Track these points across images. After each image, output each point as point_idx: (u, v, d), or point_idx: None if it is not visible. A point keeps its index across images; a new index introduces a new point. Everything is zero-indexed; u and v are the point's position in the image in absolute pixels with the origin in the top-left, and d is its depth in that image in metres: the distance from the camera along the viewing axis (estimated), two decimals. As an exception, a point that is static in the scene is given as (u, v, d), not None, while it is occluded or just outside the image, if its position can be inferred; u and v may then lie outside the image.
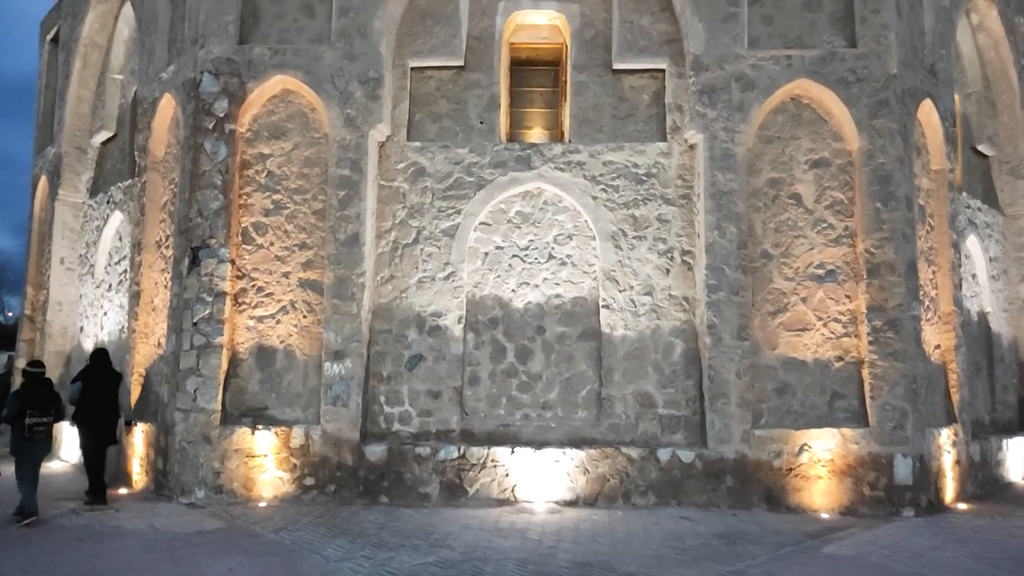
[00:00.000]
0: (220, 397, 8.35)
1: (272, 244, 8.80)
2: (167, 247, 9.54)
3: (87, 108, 13.38)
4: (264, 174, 8.90)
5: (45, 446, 7.64)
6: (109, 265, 12.12)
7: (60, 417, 7.85)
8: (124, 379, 9.26)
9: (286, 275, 8.77)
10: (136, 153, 10.31)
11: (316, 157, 8.86)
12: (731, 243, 8.34)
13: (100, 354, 8.88)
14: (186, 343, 8.42)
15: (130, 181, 11.43)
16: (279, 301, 8.74)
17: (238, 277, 8.72)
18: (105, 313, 11.98)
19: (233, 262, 8.65)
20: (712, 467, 8.10)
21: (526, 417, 8.72)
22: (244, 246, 8.79)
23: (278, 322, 8.71)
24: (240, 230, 8.79)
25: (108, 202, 12.26)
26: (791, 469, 8.08)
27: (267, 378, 8.63)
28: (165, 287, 9.45)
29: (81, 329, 12.73)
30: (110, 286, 11.96)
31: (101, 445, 8.33)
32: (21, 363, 14.07)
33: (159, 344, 9.42)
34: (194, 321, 8.44)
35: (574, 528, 7.14)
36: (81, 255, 13.29)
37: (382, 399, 8.72)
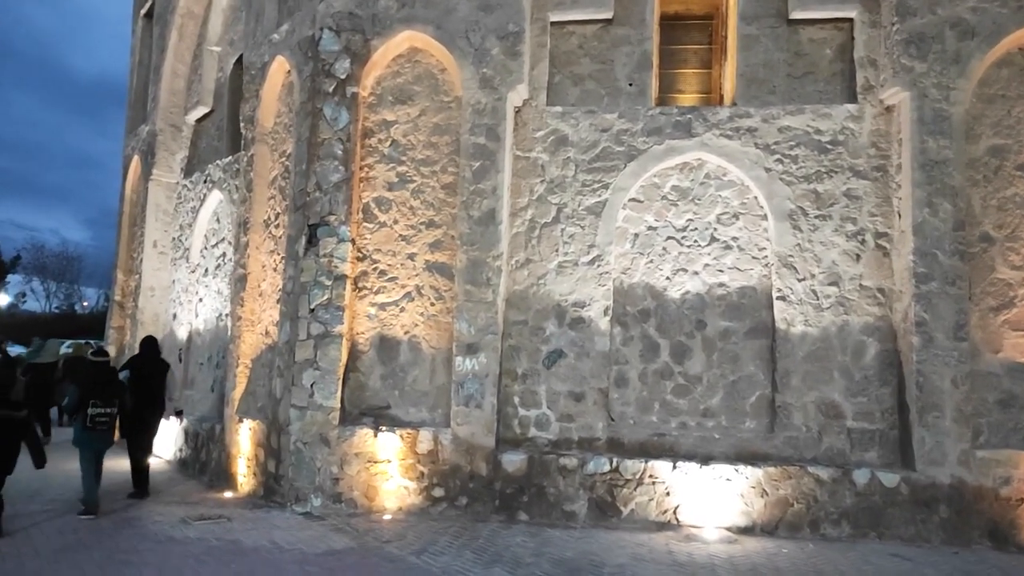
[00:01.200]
0: (339, 393, 7.47)
1: (396, 222, 7.88)
2: (276, 226, 8.76)
3: (182, 83, 12.86)
4: (388, 143, 7.99)
5: (107, 438, 7.40)
6: (205, 248, 11.50)
7: (124, 408, 7.65)
8: (171, 369, 8.93)
9: (411, 257, 7.83)
10: (242, 125, 9.57)
11: (446, 124, 7.89)
12: (945, 223, 6.96)
13: (149, 342, 8.74)
14: (302, 332, 7.58)
15: (230, 158, 10.77)
16: (403, 286, 7.81)
17: (358, 259, 7.84)
18: (200, 299, 11.36)
19: (353, 242, 7.75)
20: (922, 494, 6.76)
21: (683, 426, 7.54)
22: (365, 224, 7.90)
23: (402, 310, 7.78)
24: (361, 206, 7.90)
25: (205, 181, 11.65)
26: (1023, 500, 6.66)
27: (390, 373, 7.72)
28: (274, 270, 8.67)
29: (174, 316, 12.18)
30: (206, 271, 11.33)
31: (145, 436, 8.12)
32: (111, 351, 13.68)
33: (267, 333, 8.65)
34: (311, 307, 7.59)
35: (771, 566, 5.94)
36: (175, 238, 12.77)
37: (516, 400, 7.69)
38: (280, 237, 8.68)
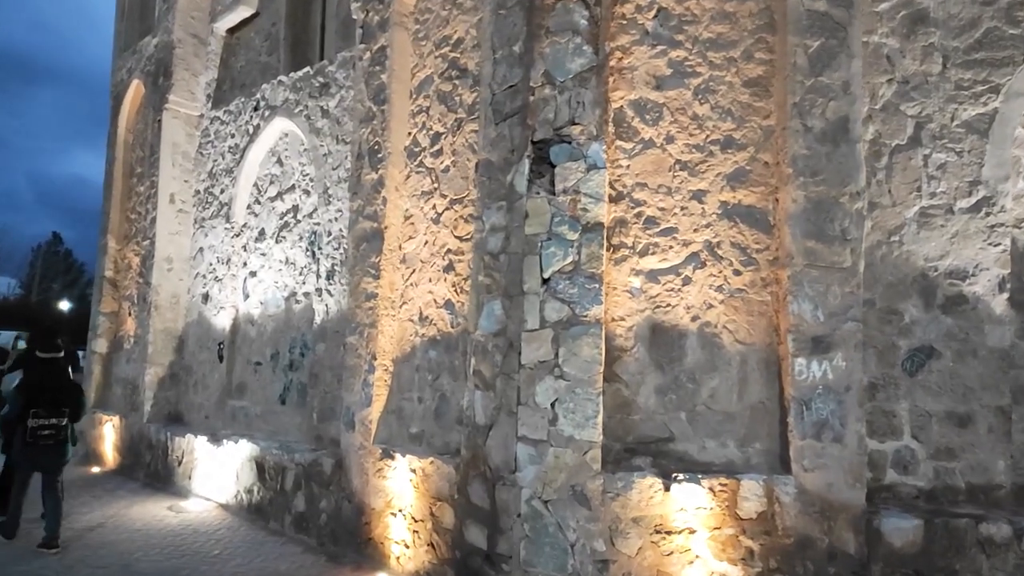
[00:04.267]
0: (600, 418, 4.59)
1: (670, 140, 5.04)
2: (435, 153, 5.84)
3: (210, -23, 9.64)
4: (652, 13, 5.11)
5: (56, 455, 6.26)
6: (258, 203, 8.44)
7: (77, 417, 6.48)
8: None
9: (698, 196, 5.00)
10: (356, 6, 6.51)
11: (754, -19, 5.06)
12: None
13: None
14: (530, 317, 4.69)
15: (307, 70, 7.78)
16: (686, 244, 4.98)
17: (610, 199, 4.95)
18: (252, 273, 8.28)
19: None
20: None
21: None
22: (619, 143, 5.02)
23: (686, 281, 4.95)
24: (611, 115, 5.00)
25: (256, 108, 8.51)
26: None
27: (670, 384, 4.90)
28: (434, 220, 5.74)
29: (205, 297, 9.00)
30: (261, 233, 8.27)
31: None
32: (101, 346, 10.40)
33: (422, 318, 5.77)
34: (545, 276, 4.68)
35: None
36: (200, 191, 9.56)
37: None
38: (443, 170, 5.74)
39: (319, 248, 7.49)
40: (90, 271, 53.64)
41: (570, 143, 4.81)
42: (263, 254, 8.54)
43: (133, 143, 11.13)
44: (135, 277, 10.56)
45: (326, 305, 7.25)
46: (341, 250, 7.18)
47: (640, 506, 4.58)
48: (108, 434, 10.14)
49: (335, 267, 7.23)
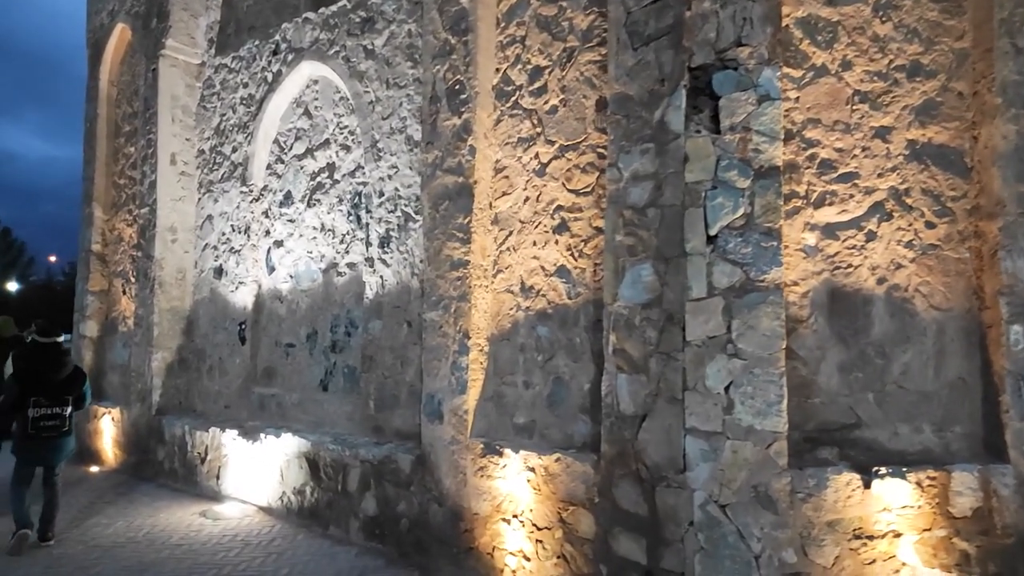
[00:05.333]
0: (785, 403, 3.82)
1: (847, 66, 4.24)
2: (536, 92, 4.93)
3: None
4: (823, -89, 4.26)
5: (60, 447, 5.91)
6: (280, 162, 7.43)
7: (81, 405, 6.13)
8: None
9: (881, 134, 4.22)
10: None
11: None
12: None
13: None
14: (695, 283, 3.90)
15: (343, 3, 6.79)
16: (869, 192, 4.20)
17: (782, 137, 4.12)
18: (278, 243, 7.30)
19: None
20: None
21: None
22: (786, 70, 4.16)
23: (870, 236, 4.19)
24: (778, 35, 4.15)
25: (274, 53, 7.46)
26: None
27: (855, 359, 4.17)
28: (536, 172, 4.89)
29: (218, 271, 8.00)
30: (288, 196, 7.29)
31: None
32: (91, 329, 9.33)
33: (524, 288, 4.91)
34: (712, 232, 3.86)
35: None
36: (206, 151, 8.48)
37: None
38: (549, 111, 4.86)
39: (368, 211, 6.53)
40: (31, 250, 51.09)
41: (737, 69, 3.95)
42: (291, 220, 7.52)
43: (118, 98, 9.87)
44: (129, 250, 9.42)
45: (381, 277, 6.32)
46: (399, 213, 6.23)
47: (836, 507, 3.85)
48: (107, 428, 9.08)
49: (391, 233, 6.29)
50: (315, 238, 7.26)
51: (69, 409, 5.90)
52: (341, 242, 6.98)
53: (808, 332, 4.13)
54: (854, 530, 3.86)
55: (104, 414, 9.17)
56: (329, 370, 7.04)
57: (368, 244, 6.50)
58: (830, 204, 4.20)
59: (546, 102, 4.95)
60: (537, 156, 4.99)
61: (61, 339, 6.14)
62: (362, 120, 6.66)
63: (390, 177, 6.37)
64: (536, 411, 4.91)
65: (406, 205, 6.19)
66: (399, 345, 6.14)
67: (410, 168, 6.18)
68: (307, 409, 7.09)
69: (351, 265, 6.87)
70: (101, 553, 5.53)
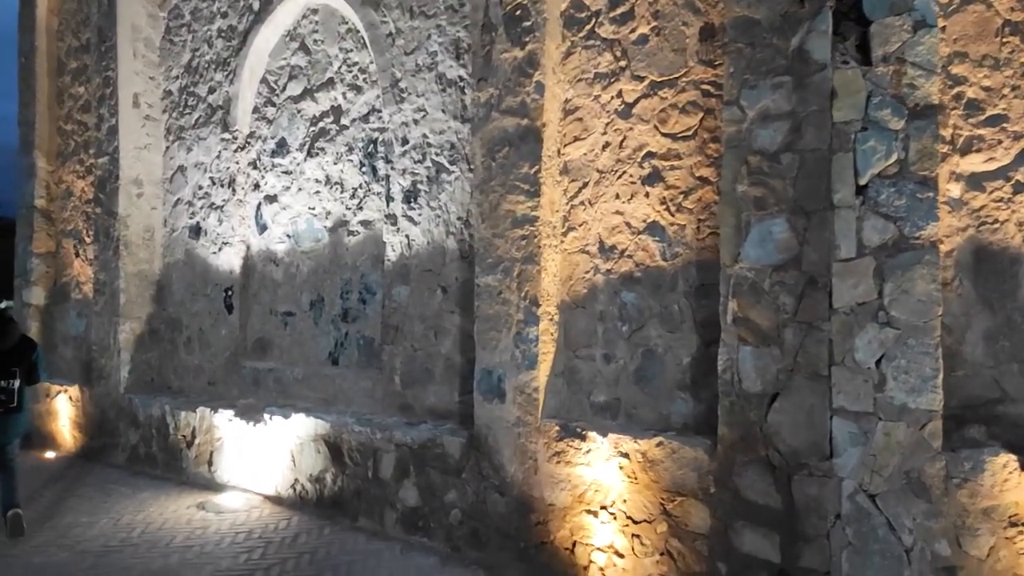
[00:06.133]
0: (940, 378, 3.38)
1: (1000, -7, 3.72)
2: (611, 19, 4.29)
3: None
4: None
5: (10, 423, 5.46)
6: (273, 104, 6.56)
7: (34, 378, 5.68)
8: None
9: (1034, 71, 3.75)
10: None
11: None
12: None
13: None
14: (844, 241, 3.42)
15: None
16: (1017, 138, 3.75)
17: (925, 74, 3.61)
18: (271, 198, 6.47)
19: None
20: None
21: None
22: (934, -5, 3.64)
23: (1017, 188, 3.75)
24: (924, -47, 3.61)
25: (264, -26, 6.47)
26: None
27: (1002, 327, 3.76)
28: (619, 115, 4.25)
29: (195, 230, 7.13)
30: (281, 144, 6.50)
31: None
32: (37, 296, 8.31)
33: (603, 248, 4.33)
34: (863, 182, 3.35)
35: None
36: (174, 92, 7.50)
37: None
38: (637, 41, 4.22)
39: (387, 161, 5.76)
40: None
41: (891, -9, 3.39)
42: (286, 172, 6.65)
43: (61, 28, 8.61)
44: (82, 206, 8.30)
45: (406, 237, 5.59)
46: (428, 163, 5.50)
47: (992, 493, 3.45)
48: (63, 408, 8.07)
49: (418, 186, 5.55)
50: (318, 192, 6.42)
51: (17, 383, 5.43)
52: (352, 197, 6.19)
53: (953, 296, 3.69)
54: (1009, 517, 3.48)
55: (59, 393, 8.14)
56: (340, 341, 6.30)
57: (389, 199, 5.74)
58: (977, 151, 3.72)
59: (632, 31, 4.29)
60: (620, 95, 4.34)
61: (3, 305, 5.60)
62: (379, 56, 5.83)
63: (416, 122, 5.60)
64: (620, 388, 4.35)
65: (438, 154, 5.45)
66: (431, 313, 5.46)
67: (443, 111, 5.43)
68: (313, 385, 6.35)
69: (366, 223, 6.09)
70: (93, 560, 4.73)
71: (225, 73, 7.04)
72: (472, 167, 5.08)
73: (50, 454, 7.97)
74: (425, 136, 5.54)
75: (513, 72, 4.56)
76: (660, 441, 3.94)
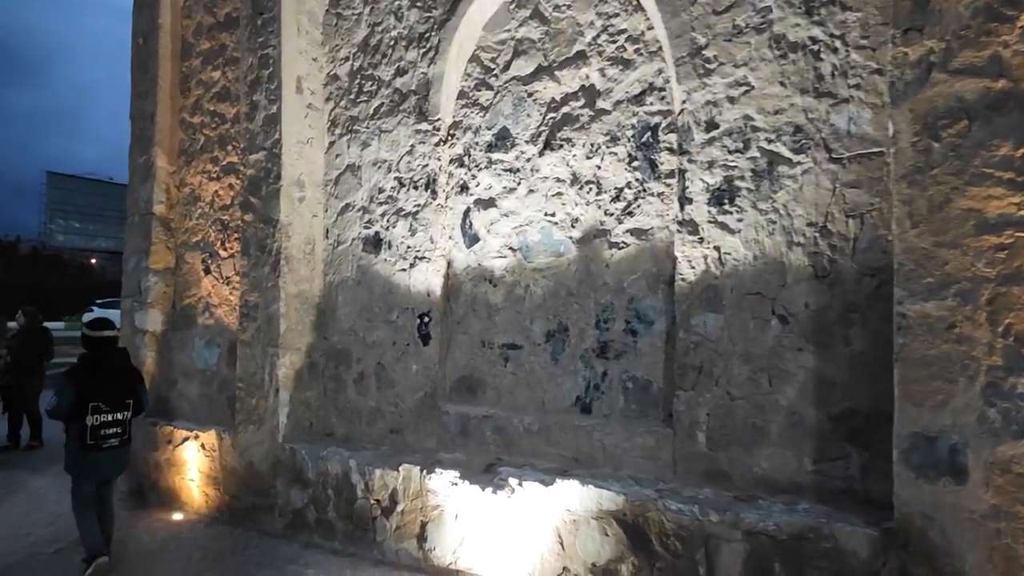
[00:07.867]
0: None
1: None
2: None
3: None
4: None
5: (122, 457, 5.26)
6: (488, 86, 5.40)
7: (141, 409, 5.45)
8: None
9: None
10: None
11: None
12: None
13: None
14: None
15: None
16: None
17: None
18: (484, 203, 5.30)
19: None
20: None
21: None
22: None
23: None
24: None
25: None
26: None
27: None
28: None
29: (374, 243, 5.84)
30: (502, 135, 5.40)
31: None
32: (152, 321, 7.06)
33: None
34: None
35: None
36: (342, 76, 6.30)
37: None
38: None
39: (682, 153, 4.49)
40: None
41: None
42: (509, 170, 5.40)
43: (188, 4, 7.40)
44: (214, 213, 7.07)
45: (715, 249, 4.32)
46: (754, 151, 4.25)
47: None
48: (191, 459, 6.75)
49: (735, 183, 4.29)
50: (560, 194, 5.16)
51: (130, 415, 5.33)
52: (616, 199, 4.92)
53: None
54: None
55: (185, 439, 6.82)
56: (594, 383, 5.00)
57: (685, 200, 4.47)
58: None
59: None
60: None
61: (115, 333, 5.42)
62: (669, 18, 4.59)
63: (731, 100, 4.35)
64: None
65: (771, 140, 4.19)
66: (762, 351, 4.17)
67: (781, 83, 4.17)
68: (554, 439, 5.04)
69: (638, 232, 4.82)
70: None
71: (422, 51, 5.82)
72: (882, 151, 3.81)
73: (177, 515, 6.64)
74: (748, 118, 4.29)
75: (974, 17, 3.30)
76: None
